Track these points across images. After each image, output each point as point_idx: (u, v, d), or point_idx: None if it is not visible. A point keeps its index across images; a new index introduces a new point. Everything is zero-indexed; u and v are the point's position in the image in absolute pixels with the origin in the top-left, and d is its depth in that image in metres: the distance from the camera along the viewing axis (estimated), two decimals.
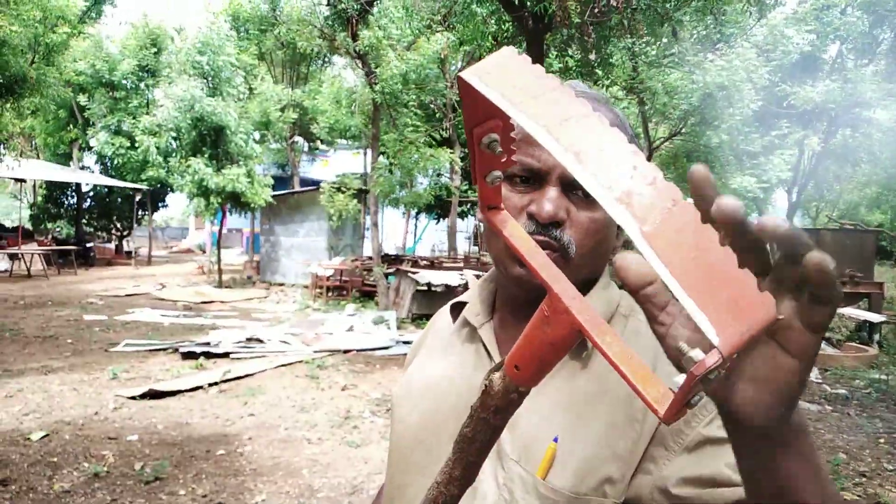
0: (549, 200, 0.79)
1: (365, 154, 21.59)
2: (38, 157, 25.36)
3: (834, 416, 6.22)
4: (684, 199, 0.37)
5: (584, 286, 0.88)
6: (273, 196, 16.22)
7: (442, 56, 11.88)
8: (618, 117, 0.86)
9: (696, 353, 0.37)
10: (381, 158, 12.97)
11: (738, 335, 0.34)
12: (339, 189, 14.22)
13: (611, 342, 0.46)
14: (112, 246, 25.26)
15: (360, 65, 12.00)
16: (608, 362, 0.45)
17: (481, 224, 0.92)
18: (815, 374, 7.78)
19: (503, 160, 0.53)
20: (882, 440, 5.57)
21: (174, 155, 16.17)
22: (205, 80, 15.01)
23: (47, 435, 4.96)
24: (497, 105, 0.42)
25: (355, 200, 14.17)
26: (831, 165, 16.16)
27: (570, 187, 0.81)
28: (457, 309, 1.00)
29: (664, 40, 10.47)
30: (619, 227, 0.90)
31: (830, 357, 8.28)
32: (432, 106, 16.63)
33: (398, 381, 1.06)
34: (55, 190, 24.11)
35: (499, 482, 0.81)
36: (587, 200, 0.82)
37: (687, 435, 0.76)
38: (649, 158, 11.45)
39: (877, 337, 9.43)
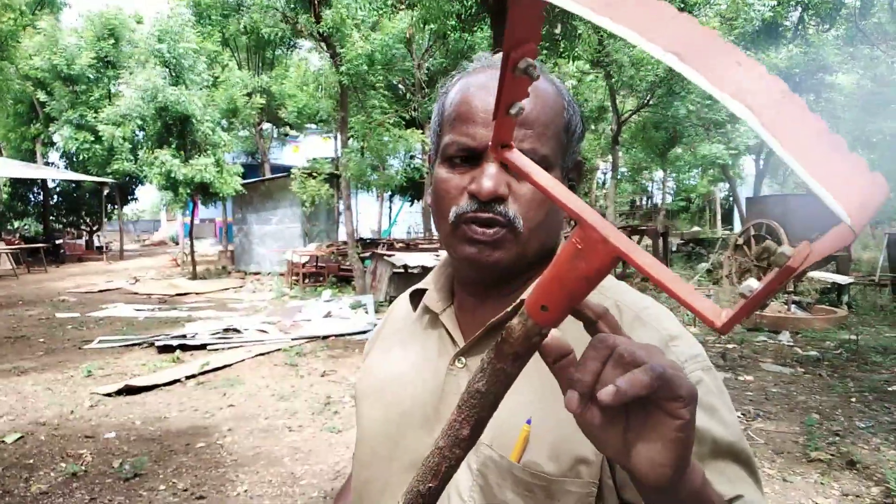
0: (489, 177, 0.77)
1: (335, 138, 21.42)
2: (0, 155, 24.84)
3: (806, 378, 6.35)
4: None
5: (538, 261, 0.85)
6: (244, 184, 16.04)
7: (408, 35, 11.75)
8: (548, 84, 0.84)
9: (786, 249, 0.39)
10: (351, 142, 12.87)
11: (863, 214, 0.35)
12: (310, 174, 14.09)
13: (651, 264, 0.46)
14: (82, 242, 24.87)
15: (324, 47, 11.85)
16: (656, 283, 0.45)
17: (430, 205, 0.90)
18: (786, 338, 7.93)
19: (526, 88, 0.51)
20: (853, 399, 5.70)
21: (140, 147, 15.92)
22: (167, 69, 14.73)
23: (22, 437, 4.90)
24: (578, 13, 0.40)
25: (327, 185, 14.05)
26: None
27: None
28: (416, 297, 0.98)
29: None
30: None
31: (801, 320, 8.44)
32: (400, 87, 16.50)
33: (359, 375, 1.04)
34: (20, 187, 23.61)
35: (472, 468, 0.80)
36: None
37: None
38: (618, 131, 11.47)
39: (845, 298, 9.62)
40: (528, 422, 0.77)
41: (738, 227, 17.44)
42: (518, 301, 0.82)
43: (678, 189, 26.01)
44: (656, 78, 10.08)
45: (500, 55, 0.85)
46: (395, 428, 0.89)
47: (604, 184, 27.37)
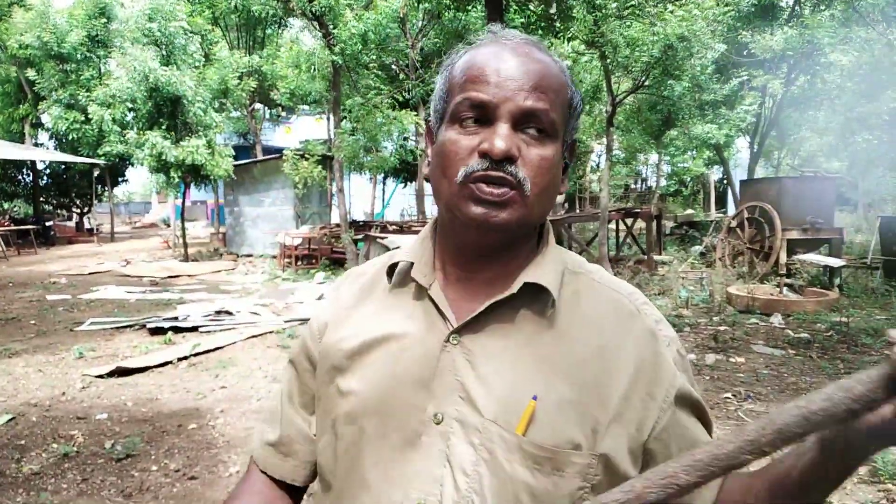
0: (502, 137, 0.78)
1: (328, 119, 21.28)
2: None
3: (797, 360, 6.38)
4: None
5: (525, 234, 0.89)
6: (236, 166, 15.89)
7: (401, 14, 11.63)
8: (554, 60, 0.87)
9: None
10: (343, 122, 12.78)
11: None
12: (302, 156, 13.99)
13: None
14: (72, 224, 24.72)
15: (317, 26, 11.73)
16: None
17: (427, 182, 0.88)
18: (778, 320, 7.95)
19: None
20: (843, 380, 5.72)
21: (130, 127, 15.73)
22: (158, 49, 14.54)
23: (13, 418, 4.87)
24: None
25: (320, 167, 13.97)
26: (792, 113, 16.33)
27: (520, 124, 0.80)
28: (392, 271, 0.94)
29: None
30: (563, 169, 0.91)
31: (793, 302, 8.46)
32: (394, 67, 16.37)
33: (319, 347, 0.97)
34: (9, 168, 23.40)
35: (474, 444, 0.80)
36: (538, 137, 0.81)
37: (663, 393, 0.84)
38: (613, 112, 11.41)
39: (837, 281, 9.65)
40: (535, 398, 0.79)
41: (731, 210, 17.46)
42: (521, 283, 0.84)
43: (672, 172, 25.99)
44: (651, 58, 10.01)
45: (512, 30, 0.90)
46: (384, 406, 0.86)
47: (598, 166, 27.33)
